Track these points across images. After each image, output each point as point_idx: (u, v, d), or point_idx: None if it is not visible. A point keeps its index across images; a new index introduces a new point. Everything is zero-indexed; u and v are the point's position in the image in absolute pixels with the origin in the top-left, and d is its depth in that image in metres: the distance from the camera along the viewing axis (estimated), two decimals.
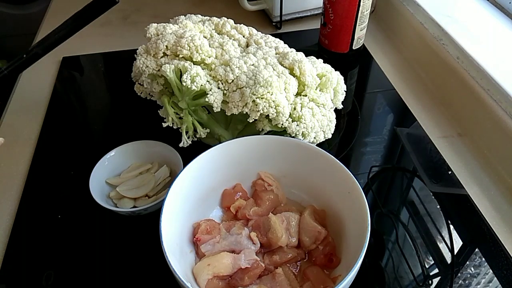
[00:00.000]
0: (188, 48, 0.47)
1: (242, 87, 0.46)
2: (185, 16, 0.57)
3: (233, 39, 0.53)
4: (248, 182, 0.49)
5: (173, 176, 0.51)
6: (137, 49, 0.52)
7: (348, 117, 0.61)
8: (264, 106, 0.45)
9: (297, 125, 0.47)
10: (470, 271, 0.44)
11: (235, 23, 0.56)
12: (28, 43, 0.77)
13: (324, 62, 0.53)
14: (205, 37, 0.52)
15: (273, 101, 0.45)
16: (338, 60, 0.68)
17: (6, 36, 1.27)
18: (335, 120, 0.52)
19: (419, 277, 0.44)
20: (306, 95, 0.49)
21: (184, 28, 0.52)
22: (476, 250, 0.46)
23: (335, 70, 0.53)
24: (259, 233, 0.42)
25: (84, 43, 0.76)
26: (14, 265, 0.45)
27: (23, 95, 0.67)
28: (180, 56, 0.48)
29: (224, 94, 0.47)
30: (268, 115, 0.46)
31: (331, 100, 0.51)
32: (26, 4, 1.26)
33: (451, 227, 0.48)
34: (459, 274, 0.44)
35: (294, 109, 0.47)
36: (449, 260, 0.45)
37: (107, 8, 0.49)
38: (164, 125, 0.48)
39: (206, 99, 0.47)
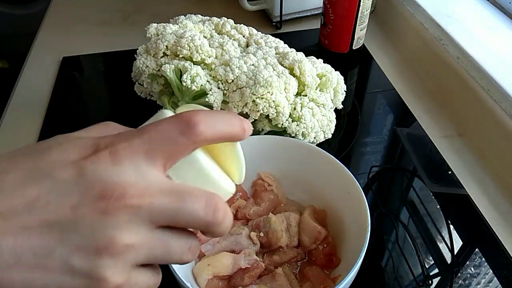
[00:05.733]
0: (188, 48, 0.47)
1: (242, 87, 0.46)
2: (185, 16, 0.57)
3: (233, 39, 0.53)
4: (248, 182, 0.48)
5: None
6: (137, 49, 0.52)
7: (348, 117, 0.61)
8: (264, 106, 0.45)
9: (297, 125, 0.47)
10: (470, 271, 0.44)
11: (235, 23, 0.56)
12: (28, 43, 0.77)
13: (324, 62, 0.53)
14: (205, 37, 0.52)
15: (273, 101, 0.45)
16: (338, 60, 0.68)
17: (6, 36, 1.27)
18: (335, 120, 0.52)
19: (419, 277, 0.44)
20: (306, 95, 0.49)
21: (184, 28, 0.52)
22: (476, 250, 0.46)
23: (335, 70, 0.53)
24: (259, 233, 0.42)
25: (84, 43, 0.76)
26: None
27: (23, 95, 0.67)
28: (180, 56, 0.48)
29: (224, 94, 0.47)
30: (268, 115, 0.46)
31: (331, 100, 0.51)
32: (26, 4, 1.26)
33: (451, 227, 0.48)
34: (459, 274, 0.44)
35: (294, 109, 0.47)
36: (449, 260, 0.45)
37: None
38: None
39: (206, 99, 0.47)
